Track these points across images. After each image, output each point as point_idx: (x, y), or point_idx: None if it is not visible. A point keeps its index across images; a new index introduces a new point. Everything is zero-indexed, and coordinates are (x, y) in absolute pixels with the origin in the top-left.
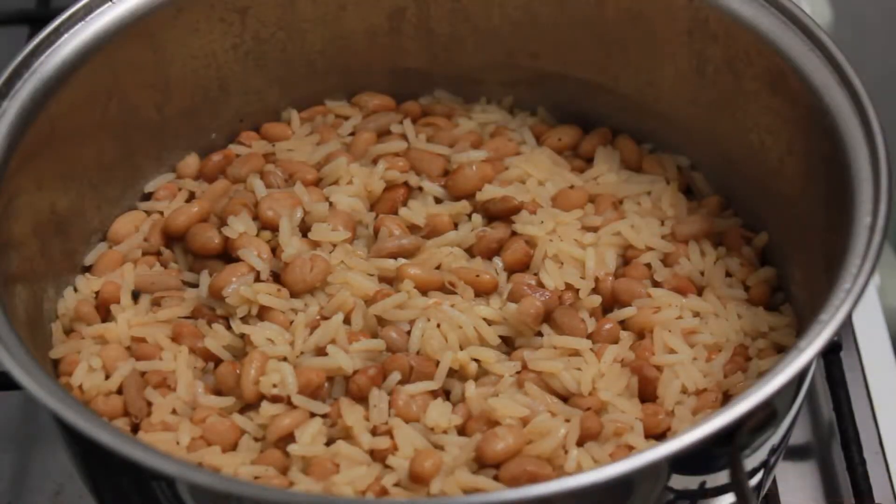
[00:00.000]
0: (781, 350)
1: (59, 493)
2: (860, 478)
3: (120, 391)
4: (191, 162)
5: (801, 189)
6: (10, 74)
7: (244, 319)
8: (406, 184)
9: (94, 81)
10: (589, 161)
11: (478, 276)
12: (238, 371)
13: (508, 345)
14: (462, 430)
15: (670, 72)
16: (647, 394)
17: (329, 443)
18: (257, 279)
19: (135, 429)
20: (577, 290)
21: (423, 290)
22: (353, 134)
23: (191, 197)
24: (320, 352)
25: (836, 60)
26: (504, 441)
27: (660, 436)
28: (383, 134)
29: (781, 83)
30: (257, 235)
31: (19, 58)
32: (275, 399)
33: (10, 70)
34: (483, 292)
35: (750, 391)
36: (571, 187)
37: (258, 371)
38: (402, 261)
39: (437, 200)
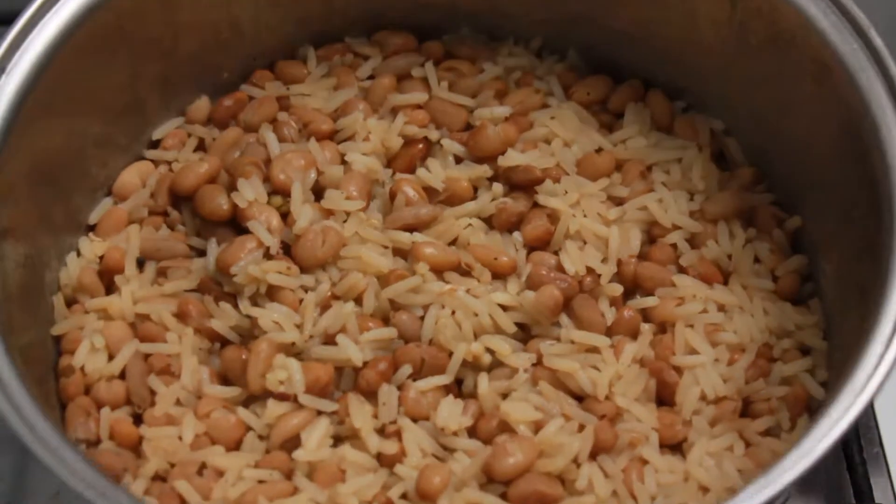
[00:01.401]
0: (806, 352)
1: (58, 494)
2: (860, 478)
3: (123, 375)
4: (201, 106)
5: (839, 177)
6: (19, 32)
7: (252, 298)
8: (425, 139)
9: (101, 29)
10: (618, 116)
11: (496, 258)
12: (244, 357)
13: (525, 331)
14: (473, 430)
15: (710, 35)
16: (664, 396)
17: (335, 439)
18: (267, 253)
19: (138, 418)
20: (599, 276)
21: (439, 270)
22: (371, 77)
23: (200, 145)
24: (330, 339)
25: (883, 63)
26: (514, 457)
27: (675, 446)
28: (403, 77)
29: (826, 77)
30: (268, 201)
31: (26, 15)
32: (282, 397)
33: (18, 28)
34: (501, 274)
35: (769, 479)
36: (598, 151)
37: (265, 364)
38: (417, 235)
39: (458, 159)
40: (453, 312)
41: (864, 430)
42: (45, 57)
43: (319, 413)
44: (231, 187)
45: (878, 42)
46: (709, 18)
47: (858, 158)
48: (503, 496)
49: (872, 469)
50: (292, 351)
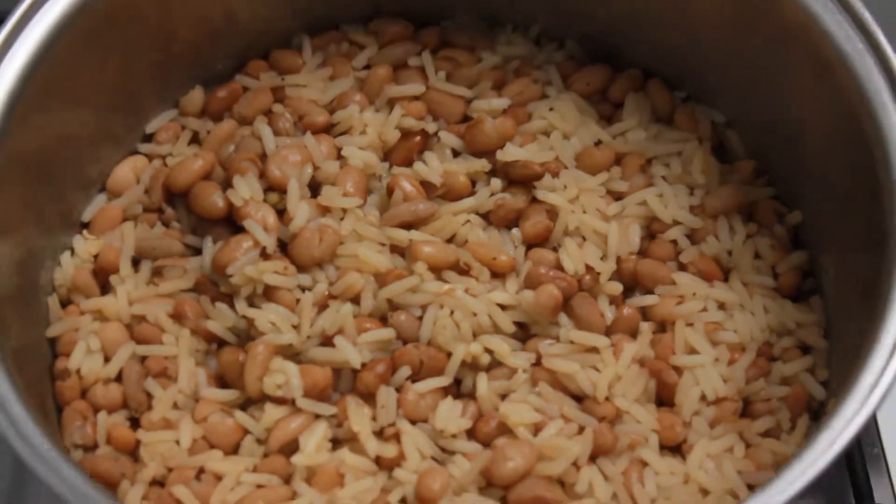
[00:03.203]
0: (806, 351)
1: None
2: (860, 479)
3: (119, 377)
4: (195, 97)
5: (841, 174)
6: (10, 31)
7: (249, 298)
8: (423, 131)
9: (95, 20)
10: (617, 106)
11: (495, 258)
12: (242, 359)
13: (524, 329)
14: (472, 432)
15: (715, 24)
16: (664, 396)
17: (334, 442)
18: (263, 252)
19: (135, 422)
20: (598, 274)
21: (438, 269)
22: (367, 67)
23: (194, 138)
24: (327, 340)
25: (889, 63)
26: (513, 462)
27: (675, 447)
28: (400, 67)
29: (828, 75)
30: (264, 199)
31: (16, 15)
32: (280, 400)
33: (9, 27)
34: (500, 273)
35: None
36: (597, 144)
37: (262, 367)
38: (415, 233)
39: (455, 153)
40: (452, 312)
41: (863, 430)
42: (40, 50)
43: (318, 416)
44: (226, 183)
45: (881, 38)
46: (710, 12)
47: (856, 147)
48: (503, 500)
49: (872, 469)
50: (290, 352)
